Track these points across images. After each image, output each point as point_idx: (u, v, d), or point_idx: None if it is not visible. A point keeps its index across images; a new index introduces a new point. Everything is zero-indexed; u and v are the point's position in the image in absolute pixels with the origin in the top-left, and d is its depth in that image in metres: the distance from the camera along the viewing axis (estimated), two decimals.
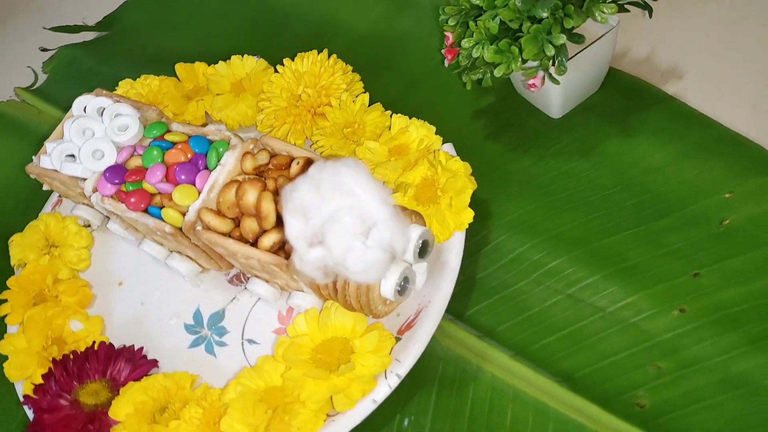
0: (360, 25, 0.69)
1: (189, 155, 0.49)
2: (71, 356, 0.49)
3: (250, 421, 0.41)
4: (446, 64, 0.53)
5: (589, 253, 0.47)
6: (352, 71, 0.58)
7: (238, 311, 0.51)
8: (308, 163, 0.44)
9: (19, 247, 0.56)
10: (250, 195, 0.43)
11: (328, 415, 0.43)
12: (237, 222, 0.45)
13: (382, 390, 0.42)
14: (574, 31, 0.46)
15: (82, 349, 0.50)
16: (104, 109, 0.53)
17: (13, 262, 0.56)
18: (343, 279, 0.38)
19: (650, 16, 0.49)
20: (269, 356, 0.45)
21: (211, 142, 0.49)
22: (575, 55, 0.50)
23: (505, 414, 0.43)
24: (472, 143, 0.55)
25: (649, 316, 0.44)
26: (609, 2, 0.45)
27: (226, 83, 0.61)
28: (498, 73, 0.47)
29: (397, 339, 0.45)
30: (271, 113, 0.57)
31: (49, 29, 0.81)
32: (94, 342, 0.50)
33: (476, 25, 0.47)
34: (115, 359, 0.49)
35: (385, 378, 0.43)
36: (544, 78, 0.48)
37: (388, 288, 0.41)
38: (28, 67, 0.79)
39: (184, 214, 0.46)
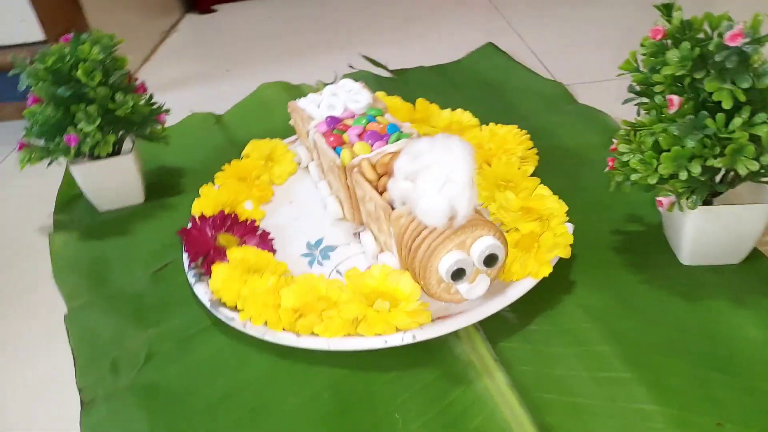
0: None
1: (383, 132, 0.65)
2: (232, 216, 0.67)
3: (299, 295, 0.53)
4: (606, 169, 0.61)
5: (635, 354, 0.49)
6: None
7: (344, 253, 0.64)
8: None
9: (252, 147, 0.78)
10: None
11: (348, 334, 0.52)
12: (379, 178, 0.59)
13: (395, 338, 0.50)
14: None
15: (242, 219, 0.67)
16: (353, 89, 0.73)
17: (243, 154, 0.78)
18: (412, 216, 0.49)
19: None
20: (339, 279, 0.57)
21: (401, 132, 0.65)
22: (713, 202, 0.54)
23: (474, 419, 0.46)
24: (592, 236, 0.61)
25: (655, 427, 0.44)
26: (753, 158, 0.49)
27: (442, 122, 0.77)
28: (634, 178, 0.54)
29: (433, 320, 0.52)
30: None
31: (363, 56, 1.10)
32: (248, 219, 0.67)
33: (635, 136, 0.55)
34: (253, 234, 0.65)
35: (404, 333, 0.51)
36: (673, 204, 0.53)
37: (444, 265, 0.50)
38: (334, 71, 1.07)
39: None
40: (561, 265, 0.59)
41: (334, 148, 0.64)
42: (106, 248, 0.71)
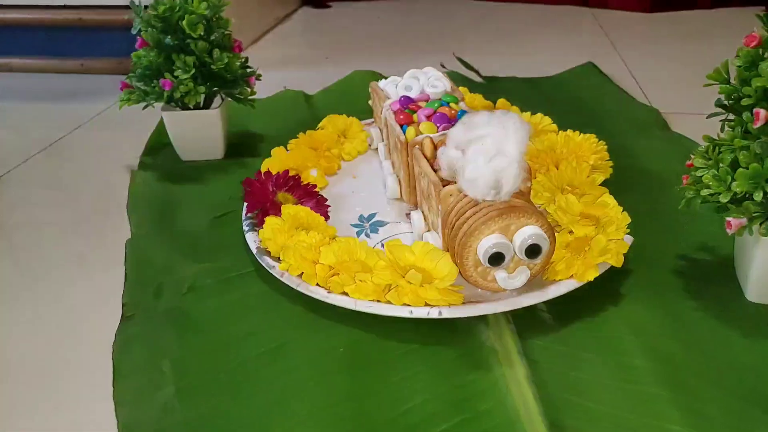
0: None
1: (452, 117, 0.65)
2: (295, 177, 0.69)
3: (337, 253, 0.54)
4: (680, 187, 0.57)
5: (674, 374, 0.46)
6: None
7: (393, 229, 0.64)
8: None
9: (328, 121, 0.80)
10: None
11: (377, 299, 0.52)
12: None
13: (421, 311, 0.50)
14: None
15: (304, 182, 0.69)
16: (434, 75, 0.73)
17: (318, 126, 0.80)
18: (461, 195, 0.48)
19: None
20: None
21: None
22: None
23: (483, 403, 0.45)
24: (655, 256, 0.58)
25: None
26: None
27: None
28: (704, 192, 0.50)
29: (463, 303, 0.51)
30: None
31: (456, 56, 1.10)
32: (310, 184, 0.69)
33: (714, 152, 0.52)
34: (311, 197, 0.67)
35: (430, 308, 0.50)
36: (743, 228, 0.49)
37: (483, 246, 0.49)
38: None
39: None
40: (613, 276, 0.56)
41: (402, 126, 0.65)
42: (178, 192, 0.75)
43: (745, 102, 0.50)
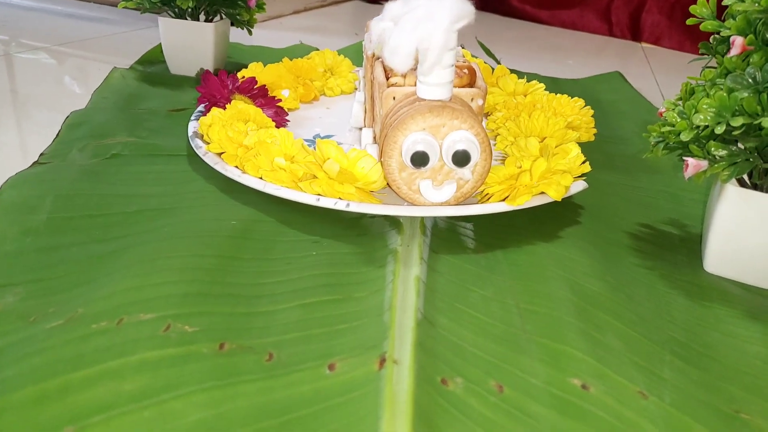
0: None
1: None
2: (262, 87, 0.67)
3: (260, 135, 0.50)
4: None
5: (583, 308, 0.39)
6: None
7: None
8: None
9: (318, 55, 0.78)
10: None
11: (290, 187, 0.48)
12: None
13: (329, 201, 0.46)
14: None
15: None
16: None
17: (307, 57, 0.78)
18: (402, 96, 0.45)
19: None
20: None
21: None
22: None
23: (361, 291, 0.40)
24: (616, 219, 0.52)
25: (567, 368, 0.34)
26: None
27: (511, 86, 0.72)
28: (665, 130, 0.45)
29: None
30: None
31: (477, 41, 1.07)
32: (275, 97, 0.67)
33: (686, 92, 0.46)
34: (271, 106, 0.64)
35: (339, 199, 0.46)
36: (702, 174, 0.43)
37: (407, 141, 0.45)
38: None
39: None
40: (559, 222, 0.50)
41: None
42: (150, 90, 0.74)
43: (724, 34, 0.44)
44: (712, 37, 0.48)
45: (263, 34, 1.12)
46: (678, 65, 1.34)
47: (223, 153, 0.52)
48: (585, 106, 0.66)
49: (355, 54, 1.00)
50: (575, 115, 0.63)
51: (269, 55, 0.98)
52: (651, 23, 1.50)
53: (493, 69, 0.78)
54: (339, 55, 0.79)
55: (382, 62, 0.55)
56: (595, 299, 0.40)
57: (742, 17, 0.43)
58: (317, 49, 1.04)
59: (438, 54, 0.41)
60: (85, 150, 0.55)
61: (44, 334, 0.33)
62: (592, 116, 0.65)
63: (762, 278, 0.46)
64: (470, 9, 0.42)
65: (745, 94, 0.40)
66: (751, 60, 0.42)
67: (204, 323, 0.34)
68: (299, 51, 1.03)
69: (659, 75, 1.20)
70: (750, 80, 0.41)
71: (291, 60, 0.76)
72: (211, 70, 0.81)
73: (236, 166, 0.51)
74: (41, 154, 0.54)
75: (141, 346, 0.32)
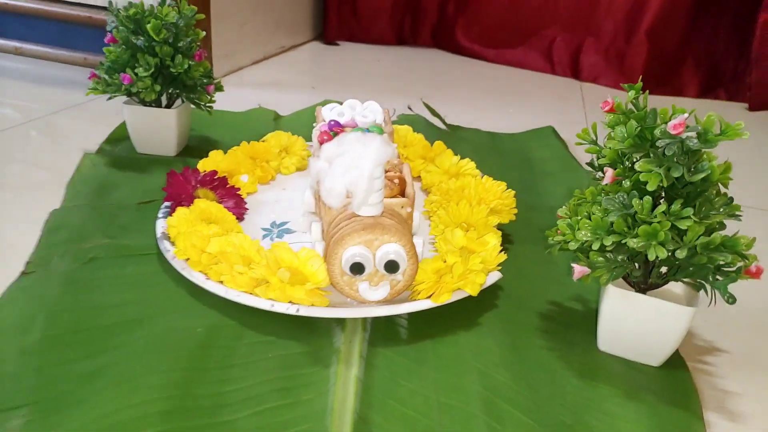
0: None
1: None
2: (221, 178, 0.74)
3: (222, 244, 0.58)
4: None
5: (493, 401, 0.49)
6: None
7: (298, 238, 0.69)
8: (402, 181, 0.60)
9: (273, 137, 0.86)
10: None
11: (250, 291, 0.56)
12: None
13: (281, 306, 0.54)
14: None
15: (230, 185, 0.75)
16: (371, 108, 0.79)
17: (262, 139, 0.86)
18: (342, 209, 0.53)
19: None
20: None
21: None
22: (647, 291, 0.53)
23: (306, 394, 0.48)
24: (527, 300, 0.61)
25: None
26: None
27: (446, 164, 0.81)
28: (558, 239, 0.54)
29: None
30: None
31: (423, 102, 1.17)
32: (235, 186, 0.75)
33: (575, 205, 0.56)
34: (231, 197, 0.72)
35: (290, 304, 0.54)
36: (586, 277, 0.53)
37: (345, 254, 0.53)
38: (393, 109, 1.15)
39: None
40: (478, 309, 0.60)
41: (321, 145, 0.70)
42: (119, 177, 0.81)
43: (601, 162, 0.54)
44: (597, 156, 0.58)
45: (223, 94, 1.20)
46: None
47: (188, 259, 0.60)
48: (511, 179, 0.76)
49: (311, 118, 1.08)
50: (497, 200, 0.72)
51: (229, 121, 1.06)
52: (589, 64, 1.62)
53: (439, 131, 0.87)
54: (292, 135, 0.87)
55: None
56: (500, 390, 0.50)
57: (613, 151, 0.53)
58: (275, 112, 1.12)
59: (364, 196, 0.49)
60: (65, 256, 0.62)
61: None
62: (520, 178, 0.74)
63: (641, 355, 0.56)
64: (393, 150, 0.50)
65: (615, 218, 0.50)
66: (622, 184, 0.52)
67: None
68: (258, 114, 1.11)
69: (590, 114, 1.31)
70: (620, 204, 0.51)
71: (248, 143, 0.84)
72: (175, 149, 0.89)
73: (201, 271, 0.59)
74: (27, 263, 0.61)
75: None
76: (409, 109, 1.18)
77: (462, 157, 0.84)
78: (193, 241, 0.60)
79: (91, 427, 0.42)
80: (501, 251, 0.62)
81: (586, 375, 0.54)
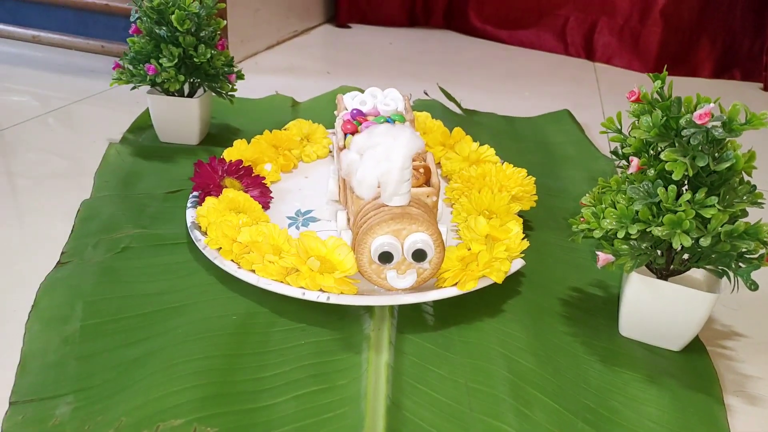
0: None
1: None
2: (246, 167, 0.76)
3: (252, 234, 0.60)
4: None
5: (520, 385, 0.50)
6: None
7: (323, 226, 0.71)
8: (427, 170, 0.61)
9: (294, 125, 0.87)
10: None
11: (280, 280, 0.58)
12: None
13: (312, 294, 0.56)
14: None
15: (255, 174, 0.76)
16: (392, 96, 0.80)
17: (284, 127, 0.87)
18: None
19: None
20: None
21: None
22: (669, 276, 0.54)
23: (340, 379, 0.50)
24: (550, 285, 0.63)
25: None
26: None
27: (466, 151, 0.82)
28: (583, 227, 0.55)
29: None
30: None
31: (439, 86, 1.17)
32: (260, 175, 0.76)
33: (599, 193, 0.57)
34: (256, 186, 0.74)
35: (321, 292, 0.56)
36: (610, 264, 0.54)
37: (374, 243, 0.55)
38: (410, 93, 1.15)
39: None
40: (502, 295, 0.61)
41: (346, 134, 0.71)
42: (145, 166, 0.83)
43: (626, 151, 0.55)
44: (621, 145, 0.59)
45: (240, 80, 1.20)
46: (625, 83, 1.45)
47: (220, 249, 0.61)
48: (535, 152, 0.76)
49: (328, 105, 1.09)
50: (518, 186, 0.73)
51: (248, 109, 1.07)
52: (603, 44, 1.61)
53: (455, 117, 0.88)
54: (313, 123, 0.88)
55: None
56: (526, 375, 0.51)
57: (638, 141, 0.53)
58: (293, 99, 1.13)
59: (395, 187, 0.51)
60: (98, 246, 0.64)
61: None
62: (540, 162, 0.75)
63: (662, 340, 0.57)
64: (422, 143, 0.51)
65: (640, 206, 0.51)
66: (647, 173, 0.53)
67: (221, 423, 0.44)
68: (276, 101, 1.12)
69: (605, 96, 1.31)
70: (644, 193, 0.52)
71: (271, 132, 0.85)
72: (197, 137, 0.90)
73: (232, 260, 0.60)
74: (62, 253, 0.63)
75: None
76: (426, 94, 1.18)
77: (480, 143, 0.84)
78: (224, 230, 0.61)
79: (135, 414, 0.44)
80: (523, 238, 0.63)
81: (608, 360, 0.55)
